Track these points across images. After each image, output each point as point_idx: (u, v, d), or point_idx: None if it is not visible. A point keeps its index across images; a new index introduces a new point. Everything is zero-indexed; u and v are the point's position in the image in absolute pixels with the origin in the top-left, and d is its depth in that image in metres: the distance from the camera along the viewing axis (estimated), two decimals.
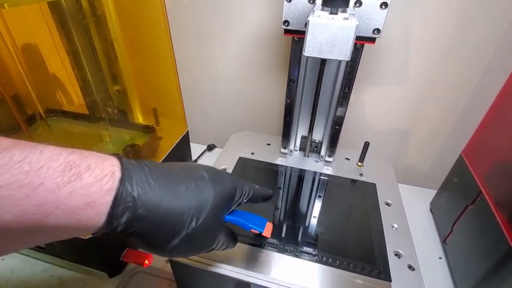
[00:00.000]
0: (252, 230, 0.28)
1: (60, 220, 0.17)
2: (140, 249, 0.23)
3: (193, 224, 0.22)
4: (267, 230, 0.28)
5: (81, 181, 0.17)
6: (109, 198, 0.18)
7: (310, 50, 0.27)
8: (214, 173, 0.25)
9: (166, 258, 0.36)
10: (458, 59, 0.52)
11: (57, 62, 0.48)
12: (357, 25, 0.26)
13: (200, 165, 0.26)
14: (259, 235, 0.28)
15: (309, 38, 0.27)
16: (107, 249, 0.40)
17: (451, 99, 0.56)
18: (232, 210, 0.27)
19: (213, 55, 0.63)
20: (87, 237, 0.37)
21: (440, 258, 0.48)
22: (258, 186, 0.29)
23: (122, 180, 0.19)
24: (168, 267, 0.44)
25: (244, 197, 0.27)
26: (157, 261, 0.45)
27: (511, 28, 0.47)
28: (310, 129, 0.50)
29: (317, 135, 0.52)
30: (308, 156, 0.53)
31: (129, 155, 0.48)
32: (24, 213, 0.15)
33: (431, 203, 0.57)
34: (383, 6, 0.33)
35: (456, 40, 0.50)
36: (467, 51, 0.50)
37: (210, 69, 0.66)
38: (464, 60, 0.51)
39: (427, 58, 0.53)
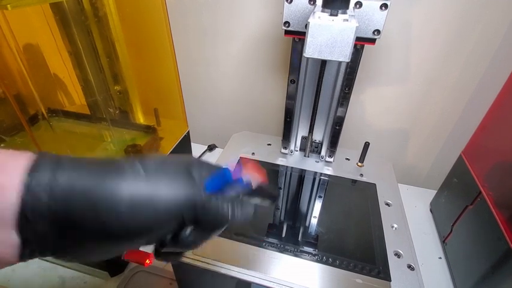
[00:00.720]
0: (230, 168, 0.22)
1: None
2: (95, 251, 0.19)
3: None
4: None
5: None
6: (20, 179, 0.15)
7: (311, 51, 0.27)
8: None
9: None
10: (458, 60, 0.52)
11: (59, 62, 0.49)
12: (357, 26, 0.26)
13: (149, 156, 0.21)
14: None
15: (309, 39, 0.27)
16: None
17: (451, 100, 0.56)
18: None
19: (214, 55, 0.63)
20: None
21: (440, 258, 0.48)
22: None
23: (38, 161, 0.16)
24: (169, 267, 0.44)
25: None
26: (159, 261, 0.45)
27: (510, 30, 0.47)
28: (311, 130, 0.50)
29: (317, 136, 0.52)
30: (308, 157, 0.53)
31: (130, 155, 0.48)
32: None
33: (432, 203, 0.57)
34: (383, 8, 0.33)
35: (456, 41, 0.50)
36: (467, 52, 0.51)
37: (211, 70, 0.66)
38: (464, 61, 0.52)
39: (427, 59, 0.53)
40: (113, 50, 0.50)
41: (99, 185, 0.17)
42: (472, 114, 0.54)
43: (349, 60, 0.28)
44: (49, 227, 0.16)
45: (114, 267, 0.44)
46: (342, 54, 0.27)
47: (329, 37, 0.26)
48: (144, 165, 0.19)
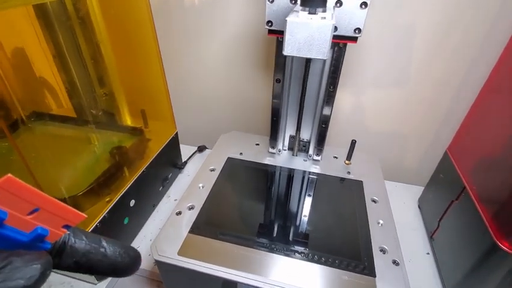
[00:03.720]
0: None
1: None
2: None
3: None
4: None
5: None
6: None
7: (289, 48, 0.27)
8: None
9: (154, 260, 0.36)
10: (442, 58, 0.52)
11: (44, 65, 0.48)
12: (333, 24, 0.26)
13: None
14: None
15: (287, 37, 0.27)
16: None
17: (437, 97, 0.57)
18: None
19: (200, 56, 0.63)
20: None
21: (428, 253, 0.49)
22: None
23: None
24: (157, 269, 0.44)
25: None
26: (146, 263, 0.45)
27: (492, 28, 0.48)
28: (298, 129, 0.50)
29: (305, 135, 0.52)
30: (296, 156, 0.53)
31: (115, 157, 0.48)
32: None
33: (419, 199, 0.58)
34: (363, 6, 0.34)
35: (440, 39, 0.51)
36: (451, 50, 0.51)
37: (198, 70, 0.66)
38: (448, 59, 0.52)
39: (412, 57, 0.53)
40: (98, 52, 0.50)
41: None
42: (457, 111, 0.55)
43: (326, 58, 0.28)
44: None
45: None
46: (320, 52, 0.27)
47: (307, 35, 0.27)
48: None
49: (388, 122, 0.62)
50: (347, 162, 0.51)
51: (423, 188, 0.57)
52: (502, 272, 0.35)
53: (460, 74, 0.53)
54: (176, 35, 0.62)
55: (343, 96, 0.60)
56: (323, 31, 0.26)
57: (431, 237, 0.50)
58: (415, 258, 0.48)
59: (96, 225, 0.39)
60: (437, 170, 0.52)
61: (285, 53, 0.28)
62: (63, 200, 0.36)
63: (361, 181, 0.47)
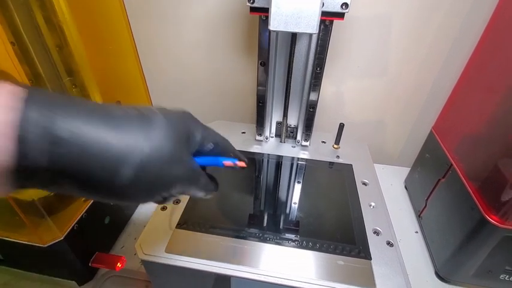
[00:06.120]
0: (225, 163, 0.25)
1: None
2: (88, 196, 0.18)
3: (145, 148, 0.17)
4: (240, 163, 0.26)
5: None
6: (12, 117, 0.14)
7: (275, 23, 0.25)
8: (162, 108, 0.21)
9: (140, 260, 0.33)
10: (425, 39, 0.52)
11: (3, 55, 0.43)
12: None
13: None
14: (234, 167, 0.26)
15: (273, 9, 0.25)
16: (72, 254, 0.37)
17: (421, 77, 0.57)
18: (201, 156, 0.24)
19: (177, 41, 0.59)
20: (46, 245, 0.34)
21: (417, 232, 0.50)
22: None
23: (28, 98, 0.15)
24: (143, 268, 0.42)
25: (208, 141, 0.24)
26: (133, 263, 0.42)
27: (474, 7, 0.48)
28: (285, 114, 0.48)
29: (292, 120, 0.51)
30: (284, 142, 0.52)
31: None
32: None
33: (406, 180, 0.59)
34: None
35: (423, 19, 0.50)
36: (434, 29, 0.51)
37: (176, 57, 0.62)
38: (432, 40, 0.52)
39: (397, 38, 0.53)
40: (62, 37, 0.45)
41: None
42: (441, 91, 0.56)
43: (317, 32, 0.26)
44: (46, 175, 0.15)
45: (82, 275, 0.40)
46: (309, 25, 0.25)
47: (294, 7, 0.25)
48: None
49: (371, 105, 0.62)
50: (335, 146, 0.50)
51: (409, 169, 0.58)
52: (490, 246, 0.36)
53: (444, 51, 0.53)
54: (149, 16, 0.57)
55: (326, 79, 0.59)
56: (312, 2, 0.24)
57: (419, 216, 0.50)
58: (404, 237, 0.48)
59: (74, 227, 0.36)
60: (423, 150, 0.53)
61: (271, 28, 0.26)
62: (32, 202, 0.32)
63: (351, 164, 0.47)
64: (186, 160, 0.21)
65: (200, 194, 0.24)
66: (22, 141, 0.14)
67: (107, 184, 0.17)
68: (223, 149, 0.25)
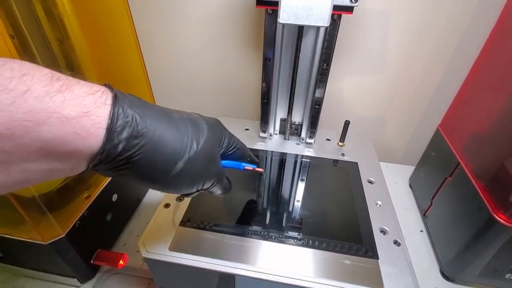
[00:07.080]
0: (246, 167, 0.29)
1: (54, 132, 0.16)
2: (141, 183, 0.21)
3: (195, 146, 0.22)
4: (259, 169, 0.31)
5: (73, 92, 0.16)
6: (105, 111, 0.17)
7: (286, 16, 0.25)
8: (202, 116, 0.26)
9: (143, 257, 0.33)
10: (431, 35, 0.51)
11: (3, 49, 0.42)
12: None
13: None
14: (253, 171, 0.30)
15: (283, 1, 0.24)
16: (73, 252, 0.36)
17: (426, 75, 0.56)
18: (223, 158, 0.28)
19: (181, 37, 0.59)
20: (47, 242, 0.33)
21: (422, 231, 0.49)
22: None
23: (116, 97, 0.18)
24: (146, 266, 0.41)
25: (232, 146, 0.28)
26: (135, 261, 0.42)
27: (483, 3, 0.47)
28: (290, 111, 0.48)
29: (297, 117, 0.50)
30: (288, 139, 0.51)
31: None
32: (12, 119, 0.14)
33: (411, 179, 0.58)
34: None
35: (429, 15, 0.49)
36: (441, 26, 0.50)
37: (179, 53, 0.61)
38: (438, 36, 0.51)
39: (403, 35, 0.52)
40: (63, 32, 0.44)
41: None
42: (447, 88, 0.55)
43: (328, 25, 0.25)
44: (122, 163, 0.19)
45: (84, 272, 0.39)
46: (321, 18, 0.24)
47: (305, 0, 0.24)
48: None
49: (376, 102, 0.61)
50: (340, 143, 0.49)
51: (413, 167, 0.57)
52: (497, 245, 0.35)
53: (450, 49, 0.52)
54: (153, 12, 0.56)
55: (331, 76, 0.58)
56: None
57: (424, 215, 0.50)
58: (409, 236, 0.48)
59: (75, 224, 0.36)
60: (429, 148, 0.52)
61: (280, 20, 0.25)
62: (32, 199, 0.32)
63: (356, 162, 0.46)
64: (218, 161, 0.26)
65: (219, 192, 0.28)
66: (110, 132, 0.17)
67: (163, 174, 0.21)
68: (242, 153, 0.29)
